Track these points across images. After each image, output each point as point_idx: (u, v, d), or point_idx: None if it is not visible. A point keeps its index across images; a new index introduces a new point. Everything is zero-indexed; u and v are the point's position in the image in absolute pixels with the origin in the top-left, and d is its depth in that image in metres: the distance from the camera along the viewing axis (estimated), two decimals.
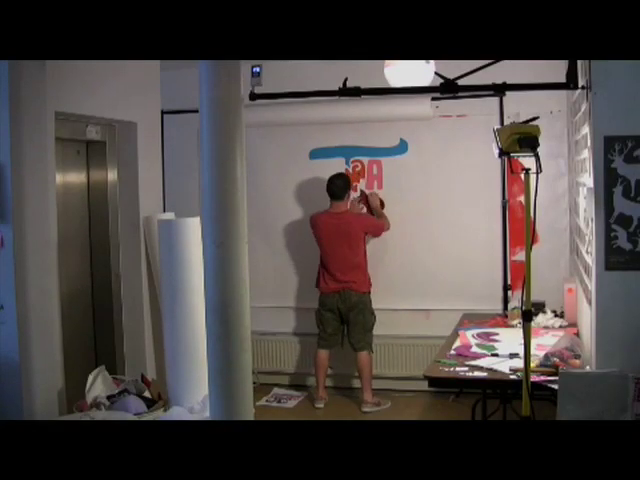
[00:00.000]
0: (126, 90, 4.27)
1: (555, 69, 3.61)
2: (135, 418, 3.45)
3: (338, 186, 5.04)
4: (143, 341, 4.46)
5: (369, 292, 5.12)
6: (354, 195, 5.29)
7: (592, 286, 2.97)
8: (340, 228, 5.01)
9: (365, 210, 5.27)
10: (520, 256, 4.96)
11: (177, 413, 3.66)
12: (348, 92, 3.29)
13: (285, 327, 5.64)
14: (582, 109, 3.37)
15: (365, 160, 5.38)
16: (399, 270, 5.31)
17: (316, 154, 5.44)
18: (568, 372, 2.86)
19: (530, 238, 2.71)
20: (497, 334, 3.96)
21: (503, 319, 4.41)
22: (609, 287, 2.80)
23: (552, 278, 4.57)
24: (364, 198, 5.28)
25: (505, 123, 4.80)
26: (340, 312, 5.09)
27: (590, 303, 3.08)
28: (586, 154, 3.24)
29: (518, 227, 4.96)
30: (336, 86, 3.30)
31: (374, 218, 5.18)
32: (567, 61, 3.11)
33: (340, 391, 5.45)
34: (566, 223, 4.89)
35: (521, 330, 2.77)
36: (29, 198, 3.43)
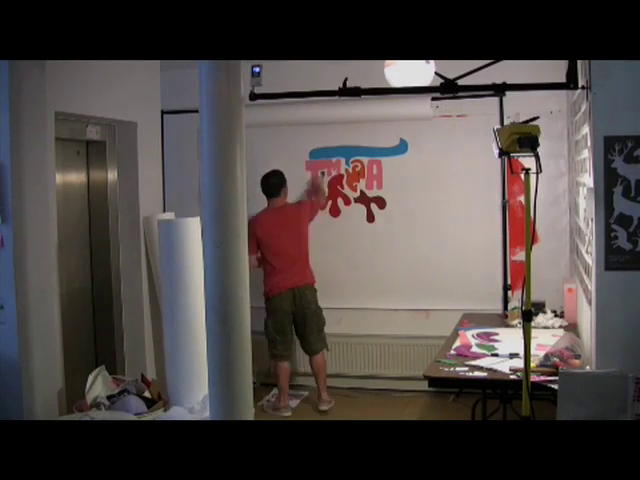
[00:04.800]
0: (126, 90, 4.28)
1: (555, 69, 3.61)
2: (135, 418, 3.45)
3: (272, 184, 5.00)
4: (143, 341, 4.47)
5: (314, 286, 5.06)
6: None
7: (592, 286, 2.97)
8: (284, 221, 4.96)
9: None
10: (520, 256, 4.95)
11: (177, 413, 3.67)
12: (348, 92, 3.29)
13: None
14: (582, 109, 3.37)
15: (365, 160, 5.37)
16: (399, 270, 5.30)
17: (316, 154, 5.44)
18: (568, 372, 2.86)
19: (530, 238, 2.71)
20: (497, 334, 3.96)
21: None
22: (609, 287, 2.80)
23: (552, 278, 4.56)
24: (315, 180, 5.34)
25: (505, 123, 4.79)
26: (294, 315, 4.92)
27: (590, 303, 3.08)
28: (586, 154, 3.24)
29: (518, 227, 4.96)
30: (336, 86, 3.30)
31: (308, 201, 5.17)
32: (567, 61, 3.11)
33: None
34: (566, 223, 4.88)
35: (521, 330, 2.78)
36: (29, 198, 3.43)
